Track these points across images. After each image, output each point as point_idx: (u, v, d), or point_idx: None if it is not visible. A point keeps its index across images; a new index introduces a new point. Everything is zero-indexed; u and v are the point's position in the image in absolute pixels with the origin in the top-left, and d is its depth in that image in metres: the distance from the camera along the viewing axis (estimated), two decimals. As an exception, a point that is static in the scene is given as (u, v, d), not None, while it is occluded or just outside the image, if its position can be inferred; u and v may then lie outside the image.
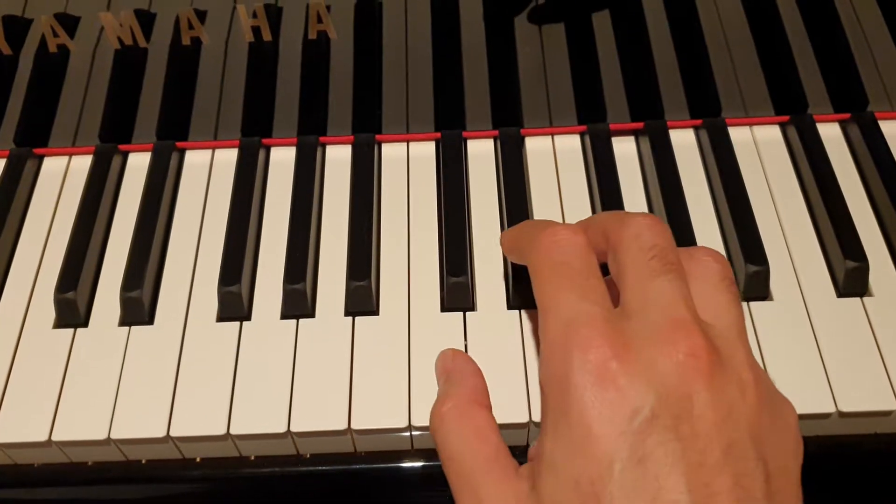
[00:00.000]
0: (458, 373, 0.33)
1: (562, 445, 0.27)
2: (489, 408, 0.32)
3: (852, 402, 0.36)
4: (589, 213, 0.43)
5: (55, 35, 0.40)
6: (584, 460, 0.26)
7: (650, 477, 0.25)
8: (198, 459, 0.39)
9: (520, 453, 0.33)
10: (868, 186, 0.44)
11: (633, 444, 0.25)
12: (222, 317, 0.40)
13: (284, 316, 0.40)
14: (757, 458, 0.26)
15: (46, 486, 0.40)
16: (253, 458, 0.39)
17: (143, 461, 0.39)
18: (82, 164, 0.47)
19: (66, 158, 0.47)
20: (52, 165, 0.47)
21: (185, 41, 0.42)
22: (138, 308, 0.40)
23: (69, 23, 0.42)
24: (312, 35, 0.42)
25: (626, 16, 0.46)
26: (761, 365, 0.37)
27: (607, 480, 0.25)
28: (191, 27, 0.40)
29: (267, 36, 0.41)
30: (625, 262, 0.30)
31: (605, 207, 0.42)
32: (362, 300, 0.40)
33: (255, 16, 0.39)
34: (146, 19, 0.42)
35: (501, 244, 0.38)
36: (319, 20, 0.40)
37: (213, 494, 0.40)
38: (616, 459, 0.25)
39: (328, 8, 0.42)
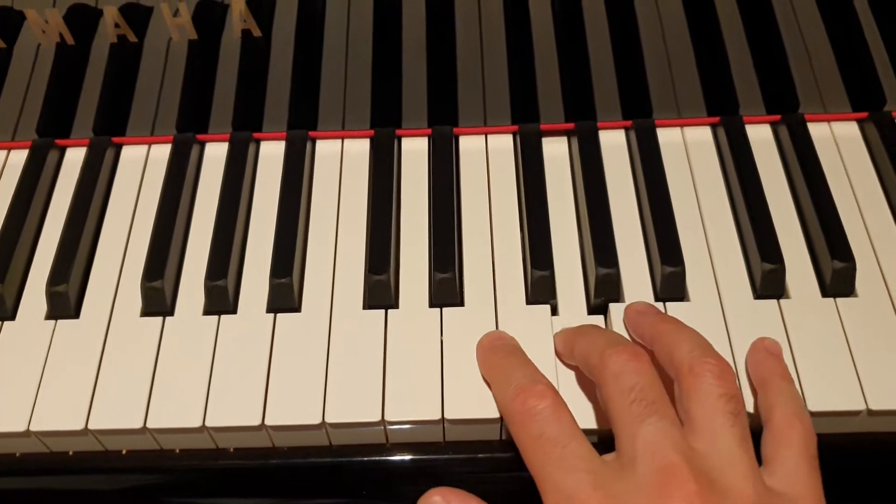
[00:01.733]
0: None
1: None
2: None
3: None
4: (515, 214, 0.44)
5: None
6: None
7: None
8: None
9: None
10: (794, 188, 0.44)
11: None
12: (146, 312, 0.41)
13: (207, 312, 0.41)
14: None
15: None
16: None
17: (71, 453, 0.40)
18: (19, 159, 0.47)
19: (3, 152, 0.48)
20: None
21: (112, 39, 0.42)
22: (64, 302, 0.41)
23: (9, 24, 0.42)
24: (237, 34, 0.42)
25: (564, 14, 0.46)
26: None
27: None
28: (117, 25, 0.40)
29: (192, 35, 0.42)
30: (610, 407, 0.32)
31: (530, 207, 0.43)
32: (284, 296, 0.40)
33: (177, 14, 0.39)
34: (82, 18, 0.43)
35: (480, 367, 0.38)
36: (244, 20, 0.40)
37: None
38: None
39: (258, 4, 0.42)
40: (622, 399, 0.31)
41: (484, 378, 0.37)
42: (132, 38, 0.41)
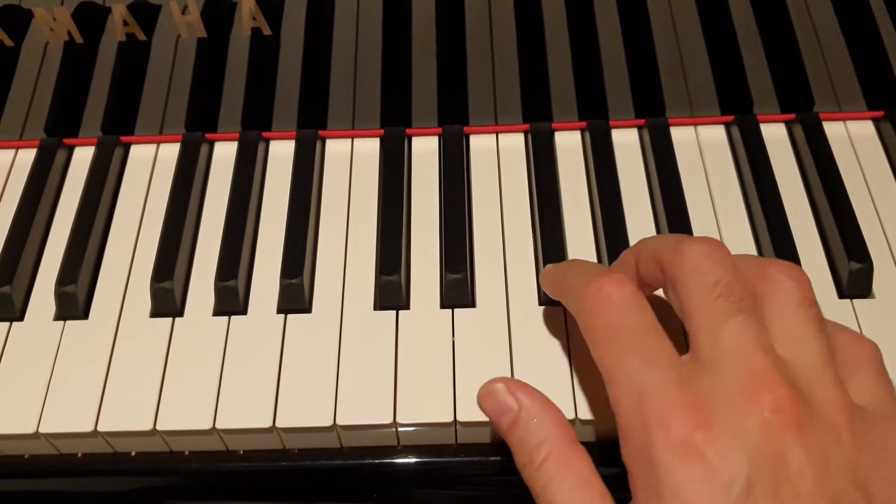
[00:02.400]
0: (534, 409, 0.30)
1: None
2: (579, 442, 0.29)
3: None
4: (527, 213, 0.43)
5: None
6: None
7: None
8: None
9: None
10: (809, 187, 0.44)
11: None
12: (155, 313, 0.41)
13: (217, 312, 0.40)
14: (866, 500, 0.25)
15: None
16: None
17: (80, 454, 0.40)
18: (27, 158, 0.47)
19: (11, 152, 0.47)
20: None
21: (120, 37, 0.42)
22: (73, 302, 0.40)
23: (17, 22, 0.42)
24: (246, 32, 0.42)
25: (576, 13, 0.46)
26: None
27: None
28: (126, 24, 0.40)
29: (200, 33, 0.41)
30: (689, 303, 0.28)
31: (542, 206, 0.42)
32: (295, 297, 0.40)
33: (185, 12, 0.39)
34: (91, 17, 0.42)
35: (543, 284, 0.36)
36: (253, 18, 0.40)
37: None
38: None
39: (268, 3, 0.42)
40: (704, 293, 0.27)
41: (554, 295, 0.34)
42: (141, 36, 0.40)
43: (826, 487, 0.24)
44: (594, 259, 0.41)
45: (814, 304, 0.28)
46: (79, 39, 0.41)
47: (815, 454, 0.25)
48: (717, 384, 0.26)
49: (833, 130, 0.45)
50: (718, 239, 0.34)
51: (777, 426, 0.25)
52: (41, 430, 0.37)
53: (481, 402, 0.32)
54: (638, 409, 0.26)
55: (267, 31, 0.41)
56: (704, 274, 0.28)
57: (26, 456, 0.39)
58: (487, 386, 0.31)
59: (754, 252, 0.42)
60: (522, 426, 0.30)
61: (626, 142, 0.46)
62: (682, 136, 0.46)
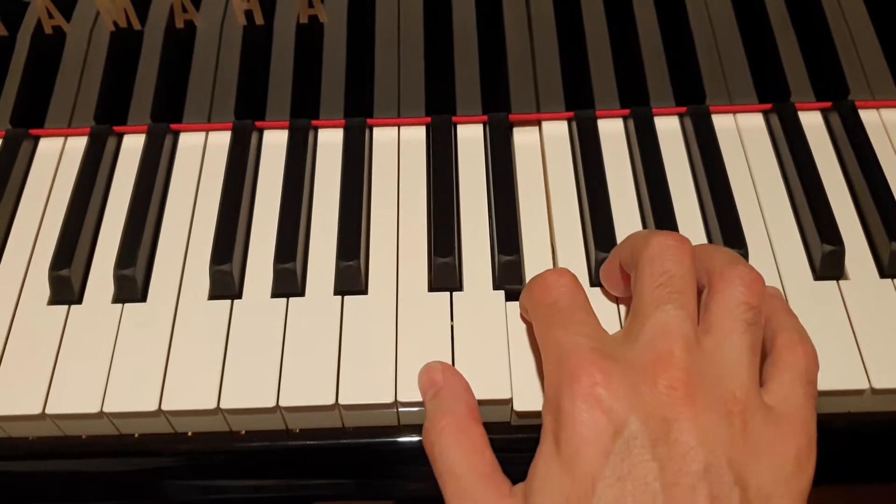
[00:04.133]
0: (451, 389, 0.35)
1: (554, 465, 0.29)
2: (481, 423, 0.34)
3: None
4: (574, 199, 0.44)
5: (50, 16, 0.40)
6: (571, 479, 0.28)
7: (627, 495, 0.27)
8: (189, 434, 0.40)
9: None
10: (847, 173, 0.45)
11: (614, 464, 0.27)
12: (214, 295, 0.41)
13: (275, 294, 0.41)
14: (734, 482, 0.27)
15: (41, 459, 0.40)
16: (243, 432, 0.40)
17: (136, 435, 0.40)
18: (77, 145, 0.48)
19: (61, 139, 0.48)
20: (47, 146, 0.48)
21: (179, 24, 0.42)
22: (132, 285, 0.41)
23: (65, 4, 0.42)
24: (304, 19, 0.42)
25: (616, 3, 0.47)
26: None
27: (591, 498, 0.27)
28: (185, 10, 0.40)
29: (259, 20, 0.42)
30: (636, 286, 0.32)
31: (590, 193, 0.43)
32: (351, 280, 0.41)
33: (247, -1, 0.40)
34: (141, 2, 0.43)
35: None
36: (311, 4, 0.40)
37: (203, 468, 0.41)
38: (599, 478, 0.27)
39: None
40: (650, 280, 0.31)
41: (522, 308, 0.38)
42: (198, 22, 0.41)
43: (699, 457, 0.27)
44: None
45: (751, 308, 0.31)
46: (137, 25, 0.41)
47: (699, 429, 0.28)
48: (629, 355, 0.30)
49: (868, 118, 0.47)
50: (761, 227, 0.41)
51: (669, 399, 0.28)
52: (105, 410, 0.38)
53: (420, 376, 0.37)
54: (556, 367, 0.30)
55: (323, 18, 0.42)
56: (655, 264, 0.31)
57: (83, 437, 0.40)
58: (427, 364, 0.37)
59: (797, 237, 0.43)
60: (438, 398, 0.35)
61: (668, 129, 0.47)
62: (721, 124, 0.47)
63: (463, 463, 0.32)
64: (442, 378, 0.36)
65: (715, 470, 0.27)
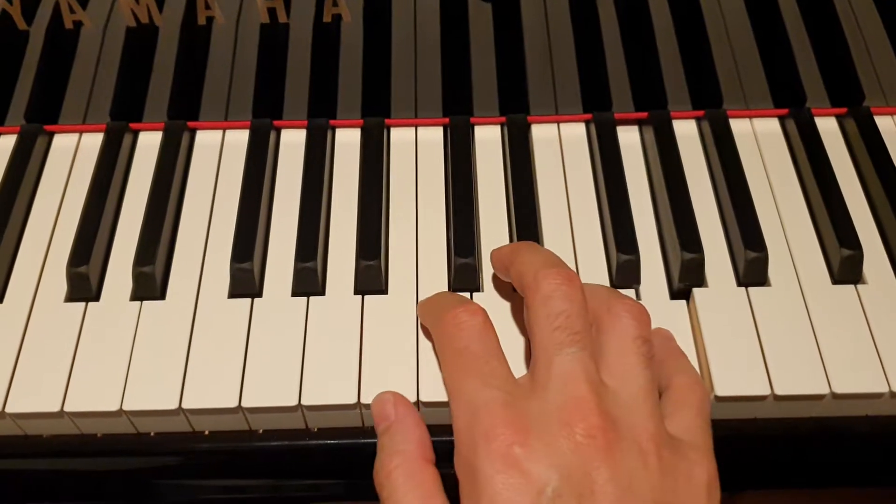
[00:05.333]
0: (402, 424, 0.33)
1: None
2: (434, 462, 0.32)
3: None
4: (594, 201, 0.45)
5: (71, 11, 0.40)
6: None
7: None
8: (206, 432, 0.40)
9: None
10: (863, 178, 0.45)
11: None
12: (233, 293, 0.41)
13: (295, 293, 0.41)
14: None
15: (56, 458, 0.40)
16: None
17: (153, 434, 0.40)
18: (91, 142, 0.47)
19: (76, 136, 0.48)
20: (62, 142, 0.48)
21: (201, 20, 0.42)
22: (151, 283, 0.41)
23: (85, -1, 0.42)
24: (327, 18, 0.42)
25: (632, 7, 0.47)
26: (759, 348, 0.38)
27: None
28: (207, 7, 0.40)
29: (282, 17, 0.42)
30: (533, 330, 0.32)
31: (609, 196, 0.43)
32: (372, 279, 0.41)
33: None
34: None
35: (419, 313, 0.39)
36: (335, 3, 0.40)
37: (219, 467, 0.41)
38: None
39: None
40: (547, 323, 0.31)
41: (423, 321, 0.38)
42: (221, 20, 0.41)
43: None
44: (657, 247, 0.43)
45: (646, 341, 0.31)
46: (158, 22, 0.41)
47: (620, 475, 0.28)
48: (542, 407, 0.29)
49: (882, 124, 0.47)
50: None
51: (587, 449, 0.28)
52: (125, 408, 0.38)
53: (372, 406, 0.35)
54: (468, 424, 0.30)
55: (348, 17, 0.42)
56: (550, 306, 0.31)
57: (98, 435, 0.40)
58: (380, 394, 0.35)
59: (815, 240, 0.43)
60: (389, 434, 0.33)
61: (685, 133, 0.47)
62: (738, 128, 0.47)
63: None
64: (394, 412, 0.34)
65: None
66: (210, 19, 0.42)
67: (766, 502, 0.52)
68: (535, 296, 0.32)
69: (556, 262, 0.33)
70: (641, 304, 0.32)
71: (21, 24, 0.43)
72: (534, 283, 0.32)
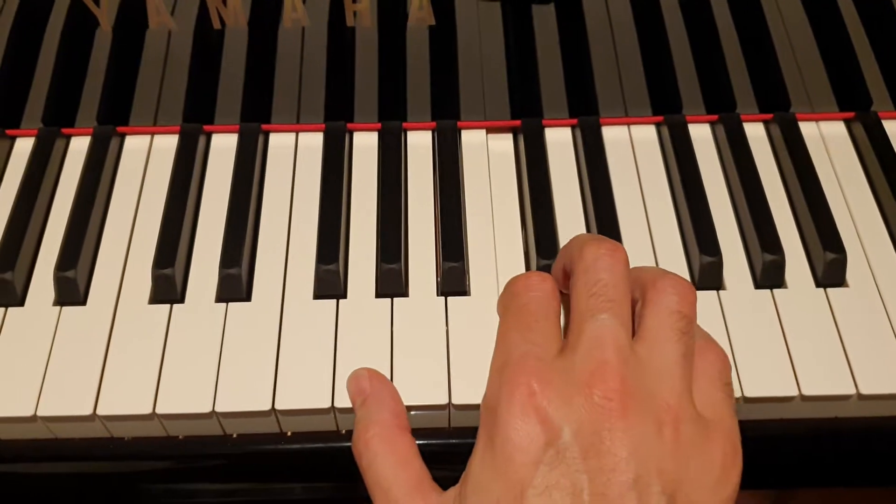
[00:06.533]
0: (377, 396, 0.35)
1: (487, 469, 0.29)
2: (409, 430, 0.34)
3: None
4: (669, 203, 0.45)
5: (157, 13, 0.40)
6: (503, 485, 0.28)
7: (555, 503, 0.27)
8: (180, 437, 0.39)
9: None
10: (872, 183, 0.46)
11: (543, 474, 0.28)
12: (319, 294, 0.41)
13: (379, 295, 0.41)
14: (661, 491, 0.28)
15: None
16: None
17: (235, 435, 0.40)
18: (164, 144, 0.47)
19: (147, 137, 0.48)
20: (134, 144, 0.48)
21: (287, 24, 0.42)
22: (237, 284, 0.41)
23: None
24: (413, 21, 0.42)
25: (696, 9, 0.47)
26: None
27: None
28: (294, 10, 0.40)
29: (367, 22, 0.42)
30: (573, 296, 0.32)
31: (688, 197, 0.44)
32: (456, 280, 0.41)
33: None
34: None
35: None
36: (420, 7, 0.41)
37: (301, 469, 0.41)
38: (528, 486, 0.28)
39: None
40: (585, 290, 0.32)
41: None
42: (305, 22, 0.41)
43: (629, 468, 0.28)
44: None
45: (684, 317, 0.31)
46: (243, 24, 0.41)
47: (630, 441, 0.28)
48: (568, 367, 0.30)
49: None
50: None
51: (602, 410, 0.28)
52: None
53: (348, 383, 0.37)
54: (499, 369, 0.31)
55: (431, 21, 0.42)
56: (590, 273, 0.32)
57: (180, 437, 0.39)
58: (355, 371, 0.37)
59: (891, 246, 0.44)
60: (366, 407, 0.35)
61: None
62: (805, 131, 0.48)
63: (389, 475, 0.32)
64: (369, 386, 0.36)
65: (644, 480, 0.28)
66: (296, 22, 0.42)
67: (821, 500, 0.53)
68: (579, 265, 0.33)
69: (603, 238, 0.34)
70: (689, 282, 0.32)
71: (105, 27, 0.43)
72: (579, 254, 0.33)
